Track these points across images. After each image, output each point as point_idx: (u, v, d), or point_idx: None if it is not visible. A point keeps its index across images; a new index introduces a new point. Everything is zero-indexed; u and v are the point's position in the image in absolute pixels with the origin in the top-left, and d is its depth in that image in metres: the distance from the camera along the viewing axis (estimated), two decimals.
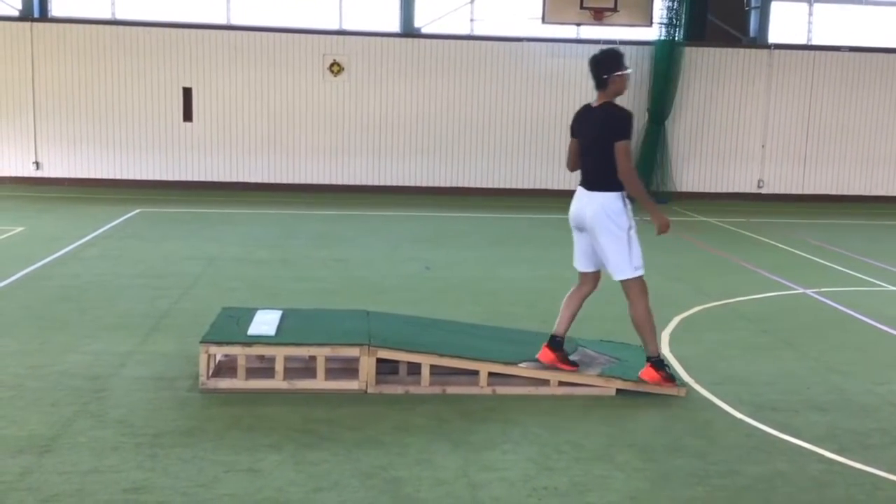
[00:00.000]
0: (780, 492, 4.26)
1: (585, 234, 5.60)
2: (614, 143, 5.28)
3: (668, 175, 17.48)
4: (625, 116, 5.34)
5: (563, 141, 17.35)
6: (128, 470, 4.23)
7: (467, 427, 4.96)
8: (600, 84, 5.39)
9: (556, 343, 5.64)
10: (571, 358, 5.73)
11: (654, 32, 16.96)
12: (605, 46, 5.58)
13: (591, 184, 5.51)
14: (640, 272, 5.50)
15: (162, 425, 4.81)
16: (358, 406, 5.23)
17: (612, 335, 6.76)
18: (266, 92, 16.88)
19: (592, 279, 5.75)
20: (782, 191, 18.13)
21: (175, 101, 16.74)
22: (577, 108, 5.62)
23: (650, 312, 5.54)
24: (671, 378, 5.60)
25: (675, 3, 16.80)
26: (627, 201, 5.48)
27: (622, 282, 5.52)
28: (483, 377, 5.52)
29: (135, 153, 16.77)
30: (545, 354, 5.61)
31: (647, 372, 5.57)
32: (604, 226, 5.42)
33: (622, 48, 5.81)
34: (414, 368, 5.60)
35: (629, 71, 5.43)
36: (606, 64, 5.36)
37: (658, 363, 5.59)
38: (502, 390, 5.52)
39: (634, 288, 5.51)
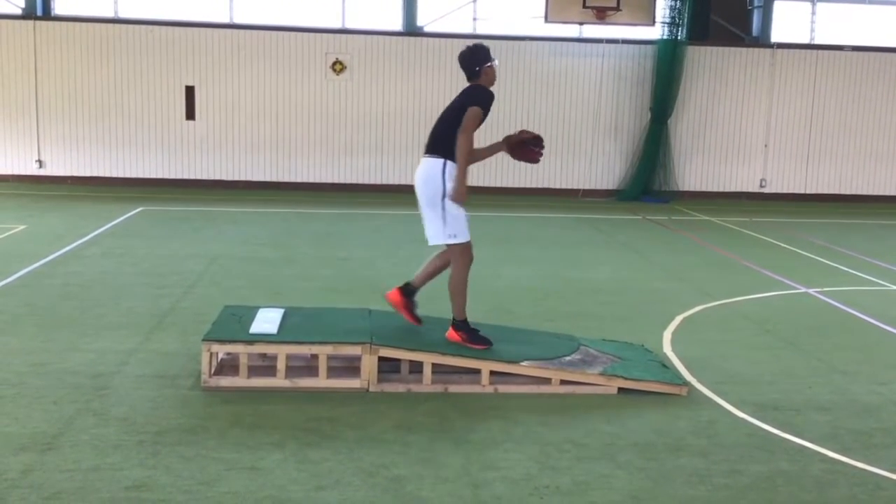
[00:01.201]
0: (783, 491, 4.25)
1: None
2: (467, 109, 5.49)
3: (671, 174, 17.47)
4: (485, 93, 5.58)
5: (565, 139, 17.37)
6: (130, 468, 4.23)
7: (469, 426, 4.96)
8: (473, 75, 5.68)
9: (408, 290, 5.91)
10: (573, 357, 5.73)
11: (656, 31, 16.95)
12: (473, 42, 5.84)
13: (426, 148, 5.71)
14: (457, 239, 5.62)
15: (164, 423, 4.81)
16: (360, 404, 5.23)
17: (613, 335, 6.76)
18: (268, 90, 16.89)
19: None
20: (785, 190, 18.11)
21: (178, 99, 16.75)
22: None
23: (465, 281, 5.72)
24: (478, 340, 5.69)
25: (678, 3, 16.77)
26: (451, 171, 5.58)
27: (447, 246, 5.70)
28: (485, 376, 5.52)
29: (137, 151, 16.78)
30: (393, 294, 5.88)
31: (451, 333, 5.75)
32: (421, 191, 5.68)
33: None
34: (416, 367, 5.60)
35: (496, 62, 5.70)
36: (479, 56, 5.66)
37: (461, 325, 5.74)
38: (504, 389, 5.52)
39: (454, 252, 5.68)
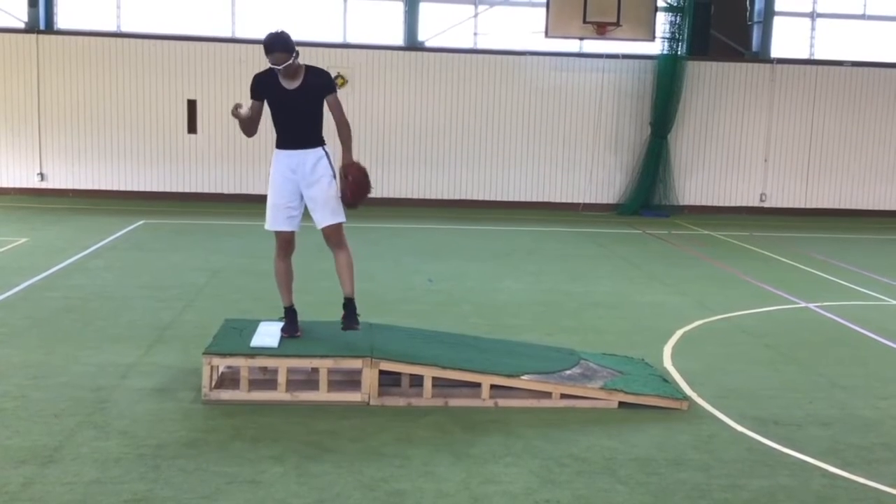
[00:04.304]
0: None
1: None
2: None
3: (671, 188, 17.50)
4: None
5: (566, 153, 17.42)
6: (130, 481, 4.24)
7: (469, 439, 4.96)
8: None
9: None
10: (573, 371, 5.75)
11: (656, 47, 17.01)
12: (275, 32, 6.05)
13: None
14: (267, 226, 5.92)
15: (164, 436, 4.82)
16: (360, 418, 5.24)
17: (613, 349, 6.77)
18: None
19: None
20: (785, 205, 18.14)
21: (180, 113, 16.80)
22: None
23: (276, 269, 6.11)
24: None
25: (678, 18, 16.84)
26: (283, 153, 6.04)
27: None
28: (485, 389, 5.52)
29: (139, 165, 16.82)
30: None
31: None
32: None
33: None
34: (416, 380, 5.61)
35: (271, 60, 5.98)
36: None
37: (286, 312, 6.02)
38: (504, 403, 5.53)
39: None
